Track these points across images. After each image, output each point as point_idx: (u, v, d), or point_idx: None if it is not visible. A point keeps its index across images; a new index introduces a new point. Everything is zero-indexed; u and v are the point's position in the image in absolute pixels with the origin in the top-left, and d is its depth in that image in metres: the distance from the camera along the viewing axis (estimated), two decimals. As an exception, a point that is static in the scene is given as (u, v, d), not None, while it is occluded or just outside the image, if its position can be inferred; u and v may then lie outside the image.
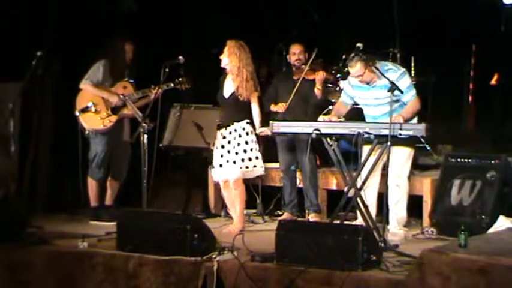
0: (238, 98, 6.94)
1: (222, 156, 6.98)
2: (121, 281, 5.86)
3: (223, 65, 7.03)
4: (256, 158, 6.97)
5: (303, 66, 7.58)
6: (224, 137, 7.00)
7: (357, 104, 6.88)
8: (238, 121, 6.98)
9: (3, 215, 6.50)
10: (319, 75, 7.43)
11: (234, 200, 7.04)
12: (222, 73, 7.14)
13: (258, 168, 7.00)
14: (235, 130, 6.97)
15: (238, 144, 6.92)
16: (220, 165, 6.97)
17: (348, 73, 7.96)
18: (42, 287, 6.13)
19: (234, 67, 6.94)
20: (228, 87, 7.04)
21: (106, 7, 8.61)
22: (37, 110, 8.35)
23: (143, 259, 5.83)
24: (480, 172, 6.86)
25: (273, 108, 7.59)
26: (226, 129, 7.01)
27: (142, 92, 7.58)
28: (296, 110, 7.46)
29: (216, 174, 7.06)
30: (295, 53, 7.66)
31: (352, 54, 6.47)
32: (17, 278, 6.20)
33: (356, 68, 6.47)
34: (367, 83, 6.56)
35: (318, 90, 7.46)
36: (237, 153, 6.91)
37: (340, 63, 8.06)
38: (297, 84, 7.45)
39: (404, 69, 6.64)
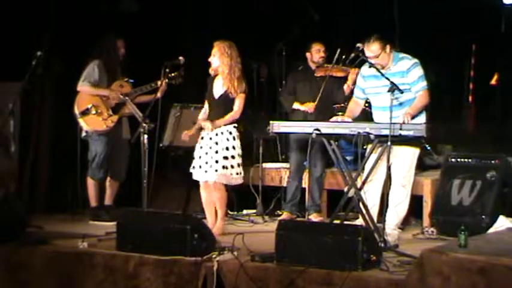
0: (228, 99, 6.91)
1: (206, 155, 6.91)
2: (121, 281, 5.86)
3: (213, 67, 6.98)
4: (238, 165, 6.90)
5: (326, 64, 7.59)
6: (210, 138, 6.93)
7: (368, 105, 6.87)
8: (226, 124, 6.92)
9: (3, 215, 6.50)
10: (354, 73, 7.39)
11: (215, 204, 6.98)
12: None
13: (239, 175, 6.92)
14: (222, 133, 6.90)
15: (226, 148, 6.86)
16: (200, 166, 6.91)
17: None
18: (42, 287, 6.13)
19: (226, 67, 6.89)
20: (218, 88, 7.00)
21: (106, 7, 8.61)
22: (37, 110, 8.35)
23: (143, 259, 5.82)
24: (480, 172, 6.87)
25: (301, 107, 7.57)
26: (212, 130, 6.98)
27: (139, 89, 7.60)
28: (323, 108, 7.43)
29: (196, 174, 7.00)
30: (320, 50, 7.68)
31: (372, 38, 6.45)
32: (16, 278, 6.19)
33: (373, 47, 6.45)
34: (382, 68, 6.51)
35: (348, 88, 7.44)
36: (217, 157, 6.84)
37: (340, 63, 8.05)
38: (325, 82, 7.41)
39: (417, 60, 6.60)
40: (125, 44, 7.72)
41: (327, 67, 7.58)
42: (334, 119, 6.78)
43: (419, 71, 6.52)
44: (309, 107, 7.51)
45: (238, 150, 6.91)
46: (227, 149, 6.86)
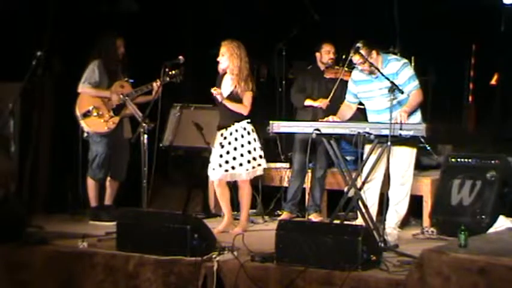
0: (235, 99, 6.94)
1: (221, 156, 6.97)
2: (121, 281, 5.86)
3: (223, 67, 7.00)
4: (260, 156, 7.00)
5: (336, 66, 7.57)
6: (225, 138, 6.99)
7: (361, 104, 6.86)
8: (239, 121, 6.97)
9: (3, 215, 6.50)
10: None
11: (242, 201, 7.08)
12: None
13: (261, 166, 7.03)
14: (237, 130, 6.96)
15: (242, 146, 6.92)
16: (220, 165, 6.97)
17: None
18: (42, 287, 6.13)
19: (236, 67, 6.93)
20: (226, 87, 7.03)
21: (106, 7, 8.61)
22: (37, 110, 8.35)
23: (143, 259, 5.83)
24: (480, 172, 6.87)
25: (314, 103, 7.53)
26: (226, 129, 7.00)
27: (140, 89, 7.60)
28: (331, 110, 7.42)
29: (212, 173, 7.05)
30: (330, 52, 7.66)
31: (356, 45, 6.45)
32: (17, 278, 6.19)
33: (356, 56, 6.45)
34: (370, 73, 6.52)
35: None
36: (242, 155, 6.91)
37: (340, 63, 8.05)
38: (336, 86, 7.37)
39: (406, 61, 6.63)
40: (125, 43, 7.73)
41: (337, 69, 7.56)
42: (325, 119, 6.76)
43: (409, 72, 6.52)
44: (323, 103, 7.47)
45: (255, 144, 6.96)
46: (242, 146, 6.92)
